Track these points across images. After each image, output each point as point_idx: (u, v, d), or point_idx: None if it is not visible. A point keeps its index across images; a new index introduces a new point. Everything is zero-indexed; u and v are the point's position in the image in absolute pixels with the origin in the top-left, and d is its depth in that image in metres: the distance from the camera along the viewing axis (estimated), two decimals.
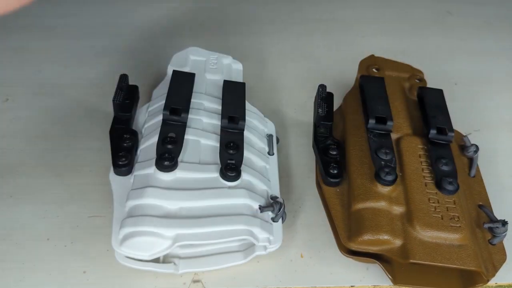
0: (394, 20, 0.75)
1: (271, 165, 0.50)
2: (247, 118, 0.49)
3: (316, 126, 0.52)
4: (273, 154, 0.51)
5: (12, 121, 0.56)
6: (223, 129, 0.48)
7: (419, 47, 0.70)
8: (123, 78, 0.52)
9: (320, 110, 0.51)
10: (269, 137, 0.52)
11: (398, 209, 0.45)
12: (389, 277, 0.42)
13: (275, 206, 0.44)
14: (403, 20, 0.75)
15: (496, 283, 0.44)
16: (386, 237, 0.43)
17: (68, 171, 0.51)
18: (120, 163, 0.45)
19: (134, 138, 0.48)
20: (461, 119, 0.56)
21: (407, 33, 0.73)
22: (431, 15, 0.77)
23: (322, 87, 0.53)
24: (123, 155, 0.46)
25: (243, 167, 0.45)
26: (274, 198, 0.46)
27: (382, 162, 0.46)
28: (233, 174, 0.44)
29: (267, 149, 0.51)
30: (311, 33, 0.72)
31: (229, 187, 0.44)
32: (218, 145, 0.46)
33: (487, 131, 0.58)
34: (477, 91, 0.64)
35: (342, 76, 0.63)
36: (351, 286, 0.44)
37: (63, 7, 0.73)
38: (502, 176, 0.54)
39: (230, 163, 0.44)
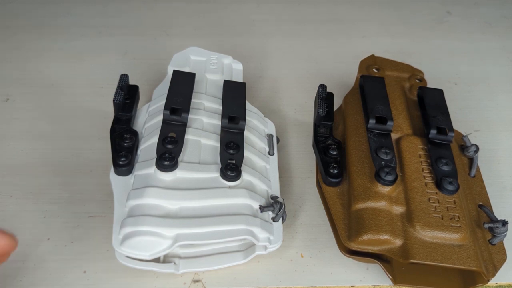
0: (394, 20, 0.75)
1: (271, 165, 0.50)
2: (247, 118, 0.49)
3: (316, 126, 0.52)
4: (273, 154, 0.51)
5: (12, 121, 0.56)
6: (223, 129, 0.48)
7: (419, 47, 0.70)
8: (123, 78, 0.52)
9: (320, 110, 0.51)
10: (269, 137, 0.52)
11: (398, 209, 0.45)
12: (389, 277, 0.42)
13: (275, 206, 0.44)
14: (403, 20, 0.76)
15: (496, 283, 0.44)
16: (386, 237, 0.43)
17: (68, 171, 0.51)
18: (121, 163, 0.45)
19: (134, 138, 0.48)
20: (461, 119, 0.56)
21: (407, 33, 0.73)
22: (431, 15, 0.77)
23: (322, 87, 0.53)
24: (123, 155, 0.46)
25: (243, 167, 0.45)
26: (274, 198, 0.46)
27: (382, 162, 0.46)
28: (233, 174, 0.44)
29: (267, 149, 0.51)
30: (311, 33, 0.72)
31: (230, 187, 0.44)
32: (218, 145, 0.46)
33: (487, 131, 0.58)
34: (477, 91, 0.64)
35: (342, 76, 0.63)
36: (351, 286, 0.44)
37: (63, 7, 0.73)
38: (502, 176, 0.54)
39: (231, 163, 0.44)
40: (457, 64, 0.68)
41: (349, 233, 0.44)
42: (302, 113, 0.59)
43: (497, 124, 0.60)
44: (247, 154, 0.47)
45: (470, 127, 0.57)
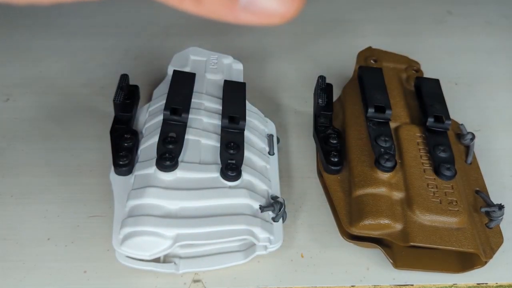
0: (394, 19, 0.75)
1: (272, 165, 0.50)
2: (247, 118, 0.49)
3: (316, 116, 0.53)
4: (273, 154, 0.51)
5: (13, 121, 0.56)
6: (223, 129, 0.48)
7: (419, 47, 0.70)
8: (124, 78, 0.52)
9: (320, 100, 0.52)
10: (270, 137, 0.52)
11: (398, 195, 0.45)
12: (390, 261, 0.43)
13: (275, 206, 0.44)
14: (403, 19, 0.75)
15: (496, 283, 0.44)
16: (386, 221, 0.43)
17: (68, 171, 0.51)
18: (121, 163, 0.45)
19: (134, 138, 0.48)
20: (461, 119, 0.56)
21: (407, 33, 0.73)
22: (431, 15, 0.77)
23: (321, 78, 0.54)
24: (123, 155, 0.46)
25: (243, 167, 0.45)
26: (274, 198, 0.46)
27: (382, 149, 0.47)
28: (233, 174, 0.44)
29: (267, 149, 0.51)
30: (312, 33, 0.72)
31: (230, 187, 0.44)
32: (218, 145, 0.46)
33: (487, 131, 0.58)
34: (477, 91, 0.64)
35: (341, 75, 0.63)
36: (351, 286, 0.44)
37: (63, 7, 0.73)
38: (502, 176, 0.54)
39: (231, 163, 0.44)
40: (457, 64, 0.68)
41: (350, 218, 0.45)
42: (302, 113, 0.59)
43: (497, 124, 0.60)
44: (247, 154, 0.47)
45: (470, 127, 0.56)
